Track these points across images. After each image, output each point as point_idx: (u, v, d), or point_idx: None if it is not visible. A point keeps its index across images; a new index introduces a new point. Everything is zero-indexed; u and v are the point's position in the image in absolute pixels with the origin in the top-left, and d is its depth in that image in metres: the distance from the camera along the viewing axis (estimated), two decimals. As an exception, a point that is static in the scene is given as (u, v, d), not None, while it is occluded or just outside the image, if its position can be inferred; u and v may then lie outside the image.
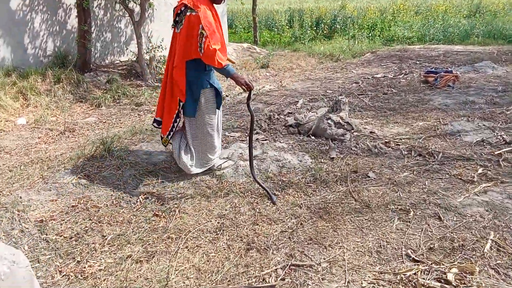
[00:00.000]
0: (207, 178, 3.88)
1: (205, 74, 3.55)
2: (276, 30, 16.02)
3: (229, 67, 3.39)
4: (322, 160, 4.18)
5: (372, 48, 11.62)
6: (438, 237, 2.89)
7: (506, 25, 11.40)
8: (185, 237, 3.01)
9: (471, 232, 2.93)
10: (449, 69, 7.24)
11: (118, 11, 9.22)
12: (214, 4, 3.54)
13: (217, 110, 3.75)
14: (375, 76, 7.75)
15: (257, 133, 4.77)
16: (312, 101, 6.06)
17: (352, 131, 4.82)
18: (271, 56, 10.87)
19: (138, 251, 2.86)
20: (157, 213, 3.34)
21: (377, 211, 3.26)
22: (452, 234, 2.90)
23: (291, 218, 3.21)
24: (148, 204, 3.47)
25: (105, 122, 6.76)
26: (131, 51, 9.46)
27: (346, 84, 7.26)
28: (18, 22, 7.51)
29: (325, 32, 15.38)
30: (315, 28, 15.42)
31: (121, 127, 6.30)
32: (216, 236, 3.03)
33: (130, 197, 3.54)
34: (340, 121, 4.77)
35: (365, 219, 3.17)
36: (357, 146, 4.51)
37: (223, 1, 3.65)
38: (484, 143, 4.43)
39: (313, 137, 4.70)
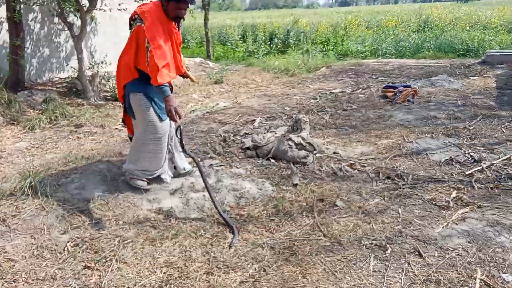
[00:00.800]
0: (152, 216, 3.31)
1: (139, 80, 3.40)
2: (229, 44, 15.67)
3: (165, 88, 3.14)
4: (285, 187, 3.74)
5: (326, 62, 11.49)
6: (422, 279, 2.50)
7: (454, 39, 11.68)
8: (122, 297, 2.43)
9: (456, 270, 2.57)
10: (407, 83, 7.12)
11: (56, 25, 8.45)
12: (173, 20, 3.40)
13: (159, 123, 3.46)
14: (332, 91, 7.51)
15: (210, 157, 4.26)
16: (270, 119, 5.65)
17: (315, 152, 4.43)
18: (224, 71, 10.43)
19: (60, 321, 2.25)
20: (88, 264, 2.73)
21: (350, 248, 2.84)
22: (436, 275, 2.52)
23: (252, 263, 2.72)
24: (78, 252, 2.85)
25: (38, 147, 5.97)
26: (71, 67, 8.68)
27: (304, 100, 6.94)
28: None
29: (278, 46, 15.22)
30: (269, 43, 15.23)
31: (56, 153, 5.56)
32: (161, 292, 2.48)
33: (56, 245, 2.90)
34: (302, 141, 4.37)
35: (338, 260, 2.73)
36: (321, 169, 4.11)
37: (178, 19, 3.45)
38: (453, 162, 4.18)
39: (273, 161, 4.26)
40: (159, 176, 3.66)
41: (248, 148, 4.37)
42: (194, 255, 2.82)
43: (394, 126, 5.35)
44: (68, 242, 2.94)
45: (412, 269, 2.60)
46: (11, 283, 2.53)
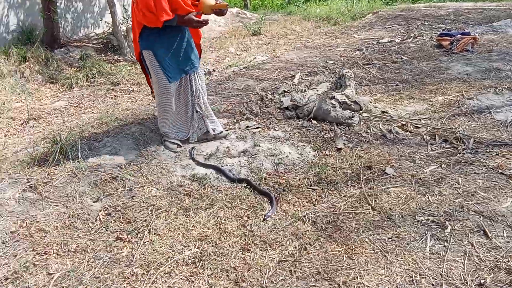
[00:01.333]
0: (186, 182, 3.13)
1: (147, 35, 3.17)
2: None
3: (170, 21, 2.98)
4: (327, 152, 3.41)
5: (373, 8, 10.61)
6: (489, 265, 2.17)
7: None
8: (154, 274, 2.29)
9: (530, 254, 2.22)
10: (466, 30, 6.36)
11: (88, -23, 8.19)
12: None
13: (168, 84, 3.26)
14: (380, 41, 6.87)
15: (247, 118, 3.97)
16: (311, 75, 5.23)
17: (361, 111, 4.04)
18: (262, 21, 9.88)
19: (90, 299, 2.15)
20: (120, 235, 2.61)
21: (403, 225, 2.54)
22: (506, 261, 2.19)
23: (292, 240, 2.48)
24: (111, 222, 2.73)
25: (77, 106, 5.94)
26: (106, 22, 8.48)
27: (348, 52, 6.39)
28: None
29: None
30: (310, -12, 14.25)
31: (93, 112, 5.49)
32: (195, 269, 2.31)
33: (88, 214, 2.79)
34: (346, 100, 3.98)
35: (388, 238, 2.44)
36: (369, 131, 3.74)
37: None
38: (522, 122, 3.66)
39: (314, 122, 3.91)
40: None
41: (287, 108, 4.04)
42: (230, 228, 2.63)
43: (451, 80, 4.78)
44: (100, 211, 2.83)
45: (476, 252, 2.27)
46: (42, 255, 2.44)
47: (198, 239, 2.55)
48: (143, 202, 2.92)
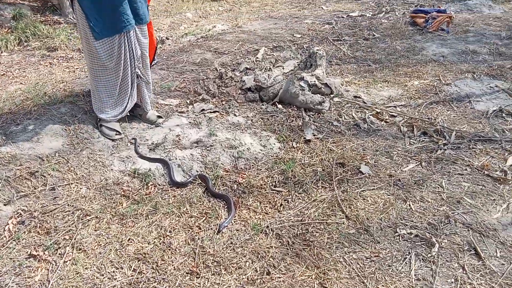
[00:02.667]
0: (125, 180, 2.58)
1: None
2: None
3: None
4: (295, 144, 2.95)
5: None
6: (486, 297, 1.82)
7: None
8: (73, 309, 1.77)
9: (529, 281, 1.89)
10: (441, 7, 6.00)
11: None
12: None
13: (95, 41, 2.63)
14: (350, 14, 6.39)
15: (203, 99, 3.42)
16: (277, 50, 4.69)
17: (332, 96, 3.59)
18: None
19: None
20: (35, 251, 2.05)
21: (382, 240, 2.14)
22: (504, 290, 1.85)
23: (252, 260, 2.03)
24: (24, 233, 2.16)
25: (4, 74, 5.08)
26: (45, -24, 7.41)
27: (316, 26, 5.88)
28: None
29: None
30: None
31: (22, 83, 4.68)
32: (128, 302, 1.81)
33: (-6, 222, 2.20)
34: (316, 82, 3.50)
35: (366, 258, 2.04)
36: (340, 119, 3.30)
37: None
38: (503, 114, 3.36)
39: (280, 106, 3.43)
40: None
41: (249, 89, 3.51)
42: (175, 243, 2.13)
43: (426, 62, 4.42)
44: (10, 218, 2.23)
45: (469, 278, 1.91)
46: None
47: (134, 258, 2.04)
48: (68, 205, 2.35)
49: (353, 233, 2.20)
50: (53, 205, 2.35)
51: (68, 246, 2.09)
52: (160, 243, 2.13)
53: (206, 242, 2.13)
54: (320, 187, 2.55)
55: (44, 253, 2.05)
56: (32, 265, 2.00)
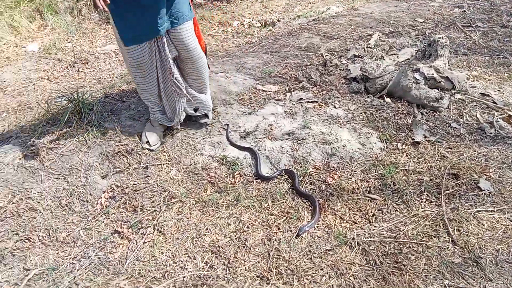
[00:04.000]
0: (213, 166, 2.53)
1: None
2: None
3: None
4: (400, 146, 2.60)
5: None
6: None
7: None
8: (143, 294, 1.77)
9: None
10: None
11: None
12: None
13: (124, 46, 2.32)
14: (489, -4, 5.50)
15: (302, 87, 3.21)
16: (393, 36, 4.22)
17: (453, 91, 3.09)
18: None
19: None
20: (120, 228, 2.11)
21: (496, 278, 1.75)
22: None
23: (329, 275, 1.81)
24: (113, 208, 2.24)
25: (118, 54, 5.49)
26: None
27: (444, 9, 5.18)
28: None
29: None
30: None
31: (139, 60, 5.00)
32: (194, 297, 1.75)
33: (90, 194, 2.32)
34: (435, 75, 3.04)
35: (472, 297, 1.68)
36: (460, 120, 2.82)
37: None
38: None
39: (388, 100, 3.05)
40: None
41: (354, 79, 3.20)
42: (251, 241, 2.01)
43: None
44: (104, 192, 2.33)
45: None
46: (25, 242, 2.02)
47: (209, 250, 1.97)
48: (157, 185, 2.38)
49: (459, 263, 1.83)
50: (143, 183, 2.40)
51: (150, 227, 2.11)
52: (236, 238, 2.03)
53: (283, 245, 1.97)
54: (424, 200, 2.20)
55: (128, 231, 2.10)
56: (115, 241, 2.06)
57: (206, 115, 2.80)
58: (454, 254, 1.88)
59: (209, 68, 2.76)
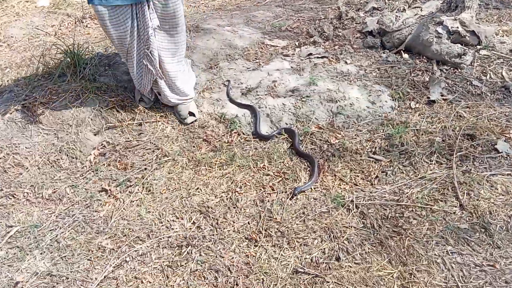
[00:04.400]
0: (210, 124, 2.40)
1: None
2: None
3: None
4: (413, 105, 2.39)
5: None
6: None
7: None
8: (124, 253, 1.70)
9: None
10: None
11: None
12: None
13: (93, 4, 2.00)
14: None
15: (314, 42, 2.99)
16: (418, -12, 3.87)
17: (478, 47, 2.81)
18: None
19: (38, 273, 1.64)
20: (107, 186, 2.03)
21: (505, 245, 1.58)
22: None
23: (322, 239, 1.69)
24: (103, 166, 2.16)
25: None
26: None
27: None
28: None
29: None
30: None
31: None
32: (177, 258, 1.67)
33: (80, 151, 2.25)
34: (460, 29, 2.75)
35: (476, 266, 1.53)
36: (483, 78, 2.56)
37: None
38: None
39: (405, 56, 2.81)
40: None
41: (370, 33, 2.95)
42: (243, 201, 1.90)
43: None
44: (95, 149, 2.26)
45: None
46: (9, 199, 1.98)
47: (197, 210, 1.88)
48: (150, 142, 2.29)
49: (465, 228, 1.67)
50: (136, 140, 2.31)
51: (139, 185, 2.03)
52: (227, 198, 1.92)
53: (275, 207, 1.85)
54: (433, 162, 2.01)
55: (115, 189, 2.02)
56: (102, 199, 1.99)
57: (191, 113, 2.40)
58: (460, 219, 1.71)
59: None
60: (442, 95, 2.43)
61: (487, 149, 2.04)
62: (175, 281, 1.57)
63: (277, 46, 3.03)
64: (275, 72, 2.68)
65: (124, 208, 1.92)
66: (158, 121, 2.43)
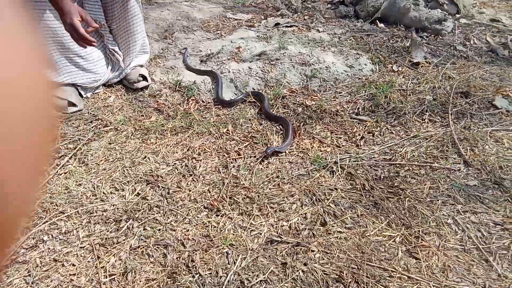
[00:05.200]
0: (165, 92, 2.02)
1: None
2: None
3: None
4: (396, 68, 2.11)
5: None
6: None
7: None
8: (40, 233, 1.27)
9: None
10: None
11: None
12: None
13: None
14: None
15: (281, 15, 2.71)
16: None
17: (458, 16, 2.61)
18: None
19: None
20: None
21: (528, 202, 1.27)
22: None
23: (302, 202, 1.33)
24: (27, 138, 1.72)
25: None
26: None
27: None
28: None
29: None
30: None
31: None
32: (113, 235, 1.26)
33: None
34: (437, -4, 2.55)
35: (496, 225, 1.21)
36: (467, 43, 2.34)
37: None
38: None
39: (381, 25, 2.56)
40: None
41: (342, 3, 2.70)
42: (201, 168, 1.51)
43: None
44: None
45: None
46: None
47: (144, 180, 1.48)
48: (88, 113, 1.88)
49: (474, 185, 1.36)
50: (72, 115, 1.89)
51: (69, 156, 1.61)
52: (181, 166, 1.53)
53: (242, 172, 1.48)
54: (426, 120, 1.71)
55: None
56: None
57: (143, 77, 2.02)
58: (467, 176, 1.40)
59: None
60: (425, 58, 2.17)
61: (484, 106, 1.77)
62: (108, 262, 1.16)
63: (240, 20, 2.73)
64: (239, 41, 2.35)
65: (48, 182, 1.50)
66: (100, 91, 2.03)
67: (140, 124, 1.79)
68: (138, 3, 1.93)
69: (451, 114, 1.71)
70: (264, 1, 3.01)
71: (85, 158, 1.61)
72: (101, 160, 1.60)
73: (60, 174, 1.54)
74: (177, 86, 2.04)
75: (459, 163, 1.46)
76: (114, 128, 1.77)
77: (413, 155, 1.51)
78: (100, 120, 1.83)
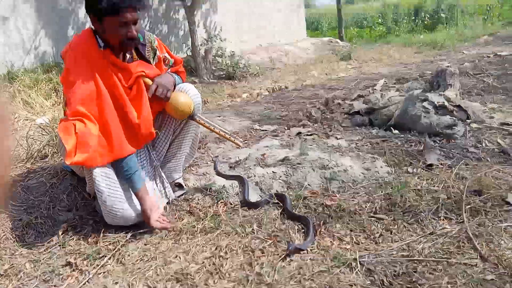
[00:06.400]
0: (197, 196, 2.22)
1: None
2: (365, 22, 13.87)
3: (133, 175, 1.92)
4: (410, 170, 2.25)
5: (489, 31, 8.99)
6: None
7: None
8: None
9: None
10: None
11: (174, 1, 8.08)
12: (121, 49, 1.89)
13: None
14: (498, 53, 5.41)
15: (302, 125, 2.98)
16: (400, 82, 4.07)
17: (468, 121, 2.79)
18: (353, 47, 8.90)
19: None
20: (73, 260, 1.76)
21: (547, 296, 1.28)
22: None
23: (322, 299, 1.39)
24: (71, 239, 1.91)
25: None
26: (187, 46, 8.24)
27: (454, 65, 5.07)
28: (62, 13, 6.51)
29: (426, 22, 12.80)
30: (414, 18, 12.96)
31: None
32: (145, 329, 1.34)
33: (51, 225, 2.02)
34: (446, 103, 2.77)
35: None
36: (479, 146, 2.48)
37: (130, 43, 1.85)
38: None
39: (396, 131, 2.77)
40: None
41: (357, 113, 2.97)
42: (228, 266, 1.62)
43: None
44: (64, 223, 2.03)
45: None
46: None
47: (174, 278, 1.59)
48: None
49: (492, 279, 1.39)
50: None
51: (108, 256, 1.76)
52: (209, 264, 1.65)
53: (266, 269, 1.57)
54: (442, 218, 1.79)
55: (82, 262, 1.75)
56: (64, 273, 1.69)
57: (179, 185, 2.26)
58: (484, 270, 1.43)
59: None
60: (439, 161, 2.31)
61: (498, 203, 1.85)
62: None
63: (266, 130, 3.01)
64: (264, 148, 2.59)
65: (88, 281, 1.63)
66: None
67: (173, 226, 1.95)
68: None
69: (465, 212, 1.79)
70: (288, 114, 3.33)
71: (123, 258, 1.75)
72: (137, 260, 1.74)
73: (99, 274, 1.67)
74: (208, 191, 2.24)
75: (476, 258, 1.51)
76: (150, 231, 1.94)
77: (430, 251, 1.57)
78: (135, 226, 2.00)
